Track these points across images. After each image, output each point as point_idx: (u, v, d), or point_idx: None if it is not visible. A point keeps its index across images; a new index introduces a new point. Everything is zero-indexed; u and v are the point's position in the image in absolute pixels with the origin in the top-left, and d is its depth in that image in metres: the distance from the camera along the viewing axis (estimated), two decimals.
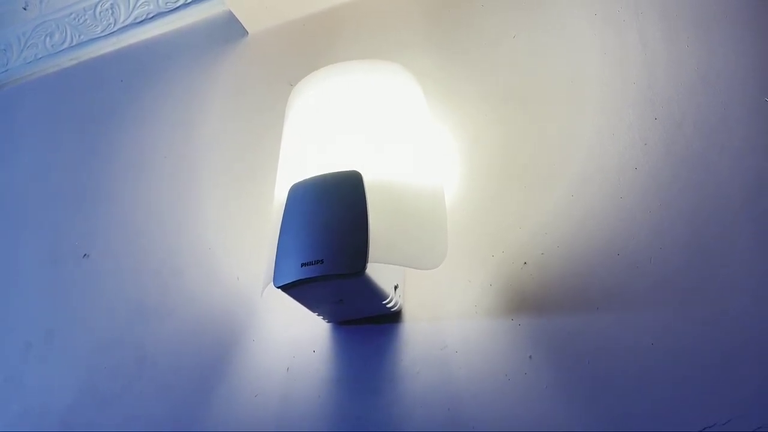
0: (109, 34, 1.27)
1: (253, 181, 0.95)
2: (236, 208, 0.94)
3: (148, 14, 1.24)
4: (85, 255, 1.03)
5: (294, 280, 0.68)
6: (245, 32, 1.12)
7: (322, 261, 0.67)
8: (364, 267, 0.66)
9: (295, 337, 0.80)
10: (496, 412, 0.66)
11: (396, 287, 0.75)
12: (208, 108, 1.07)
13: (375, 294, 0.71)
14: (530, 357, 0.67)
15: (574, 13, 0.85)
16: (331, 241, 0.68)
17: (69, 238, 1.07)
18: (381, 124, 0.77)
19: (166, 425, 0.82)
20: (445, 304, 0.74)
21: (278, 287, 0.69)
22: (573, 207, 0.73)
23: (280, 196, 0.77)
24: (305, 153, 0.78)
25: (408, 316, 0.75)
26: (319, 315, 0.77)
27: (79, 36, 1.30)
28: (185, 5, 1.22)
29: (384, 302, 0.73)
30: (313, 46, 1.05)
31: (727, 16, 0.75)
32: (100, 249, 1.02)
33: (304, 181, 0.74)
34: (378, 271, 0.70)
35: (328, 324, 0.79)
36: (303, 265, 0.68)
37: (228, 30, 1.14)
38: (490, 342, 0.70)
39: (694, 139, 0.70)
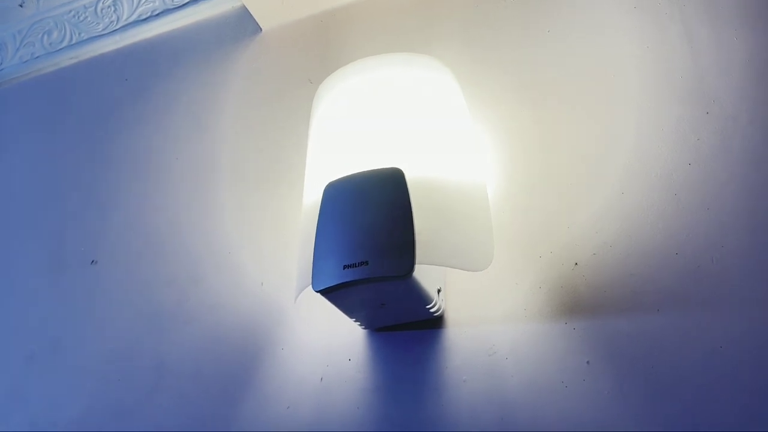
0: (111, 32, 1.22)
1: (274, 182, 0.91)
2: (257, 210, 0.90)
3: (153, 11, 1.19)
4: (93, 261, 0.97)
5: (337, 283, 0.63)
6: (259, 29, 1.08)
7: (366, 263, 0.63)
8: (412, 269, 0.62)
9: (328, 345, 0.75)
10: (553, 422, 0.62)
11: (439, 290, 0.71)
12: (222, 108, 1.03)
13: (420, 297, 0.67)
14: (588, 362, 0.63)
15: (612, 6, 0.82)
16: (375, 241, 0.64)
17: (75, 244, 1.01)
18: (419, 120, 0.73)
19: None
20: (491, 307, 0.70)
21: (318, 291, 0.65)
22: (624, 204, 0.70)
23: (312, 196, 0.73)
24: (339, 152, 0.74)
25: (451, 321, 0.71)
26: (356, 321, 0.72)
27: (80, 34, 1.25)
28: (193, 2, 1.17)
29: (428, 306, 0.69)
30: (331, 43, 1.01)
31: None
32: (109, 255, 0.97)
33: (340, 179, 0.69)
34: (423, 274, 0.66)
35: (364, 330, 0.75)
36: (345, 267, 0.64)
37: (239, 27, 1.10)
38: (543, 347, 0.66)
39: (751, 134, 0.68)
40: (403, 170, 0.67)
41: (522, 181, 0.76)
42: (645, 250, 0.67)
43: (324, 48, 1.01)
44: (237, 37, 1.09)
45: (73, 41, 1.25)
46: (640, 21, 0.80)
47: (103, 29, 1.23)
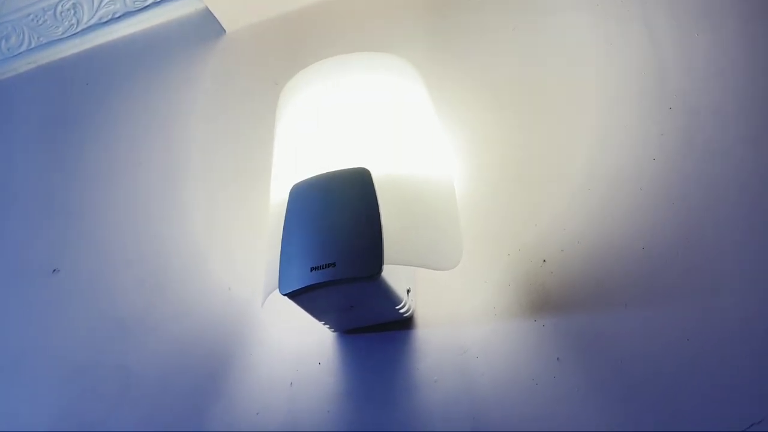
0: (71, 35, 1.20)
1: (241, 184, 0.89)
2: (224, 214, 0.88)
3: (114, 14, 1.17)
4: (55, 270, 0.95)
5: (304, 285, 0.62)
6: (223, 31, 1.06)
7: (333, 264, 0.62)
8: (380, 269, 0.61)
9: (297, 349, 0.74)
10: (525, 419, 0.62)
11: (408, 291, 0.70)
12: (187, 111, 1.01)
13: (389, 299, 0.66)
14: (558, 359, 0.63)
15: (574, 3, 0.83)
16: (342, 242, 0.63)
17: (35, 252, 0.99)
18: (385, 119, 0.73)
19: None
20: (460, 306, 0.70)
21: (285, 294, 0.64)
22: (591, 201, 0.70)
23: (278, 198, 0.72)
24: (305, 152, 0.73)
25: (421, 321, 0.71)
26: (325, 324, 0.71)
27: (38, 38, 1.22)
28: (154, 4, 1.15)
29: (397, 307, 0.68)
30: (296, 44, 1.00)
31: (735, 5, 0.74)
32: (72, 263, 0.94)
33: (306, 180, 0.68)
34: (391, 274, 0.65)
35: (334, 333, 0.74)
36: (313, 269, 0.63)
37: (203, 29, 1.08)
38: (514, 345, 0.66)
39: (713, 129, 0.68)
40: (369, 170, 0.67)
41: (488, 179, 0.76)
42: (612, 246, 0.67)
43: (289, 49, 1.00)
44: (201, 40, 1.08)
45: (32, 45, 1.22)
46: (603, 18, 0.80)
47: (63, 33, 1.20)
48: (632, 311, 0.63)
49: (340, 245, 0.63)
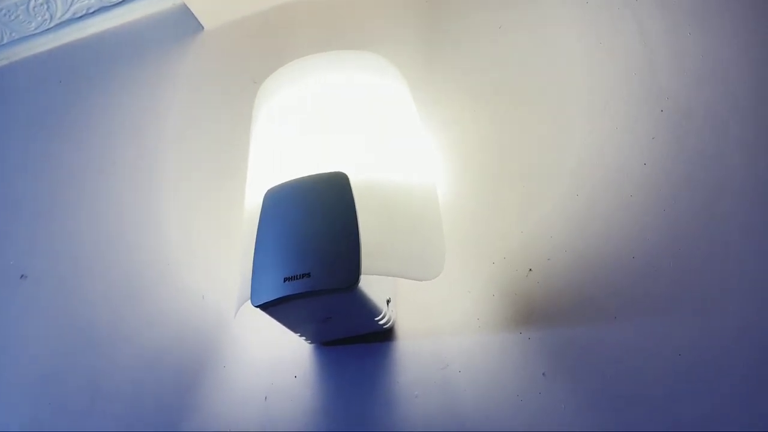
0: (44, 30, 1.15)
1: (218, 187, 0.86)
2: (198, 219, 0.85)
3: (88, 9, 1.13)
4: (22, 276, 0.91)
5: (276, 297, 0.59)
6: (200, 27, 1.03)
7: (308, 275, 0.59)
8: (357, 280, 0.58)
9: (272, 362, 0.71)
10: None
11: (388, 301, 0.67)
12: (162, 110, 0.97)
13: (367, 310, 0.63)
14: (544, 374, 0.60)
15: (564, 1, 0.80)
16: (317, 251, 0.60)
17: (2, 257, 0.95)
18: (364, 121, 0.69)
19: None
20: (442, 318, 0.67)
21: (257, 306, 0.60)
22: (578, 207, 0.67)
23: (252, 203, 0.69)
24: (280, 155, 0.70)
25: (401, 333, 0.67)
26: (301, 336, 0.68)
27: (11, 33, 1.17)
28: None
29: (376, 318, 0.65)
30: (276, 42, 0.96)
31: (729, 5, 0.71)
32: (40, 269, 0.91)
33: (281, 185, 0.65)
34: (370, 284, 0.62)
35: (311, 345, 0.70)
36: (286, 279, 0.59)
37: (180, 25, 1.05)
38: (498, 358, 0.63)
39: (705, 132, 0.66)
40: (347, 174, 0.63)
41: (472, 184, 0.73)
42: (601, 254, 0.64)
43: (269, 47, 0.96)
44: (178, 36, 1.04)
45: (4, 41, 1.17)
46: (593, 17, 0.77)
47: (36, 28, 1.16)
48: (622, 324, 0.60)
49: (315, 254, 0.60)
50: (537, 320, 0.63)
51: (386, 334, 0.68)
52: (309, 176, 0.64)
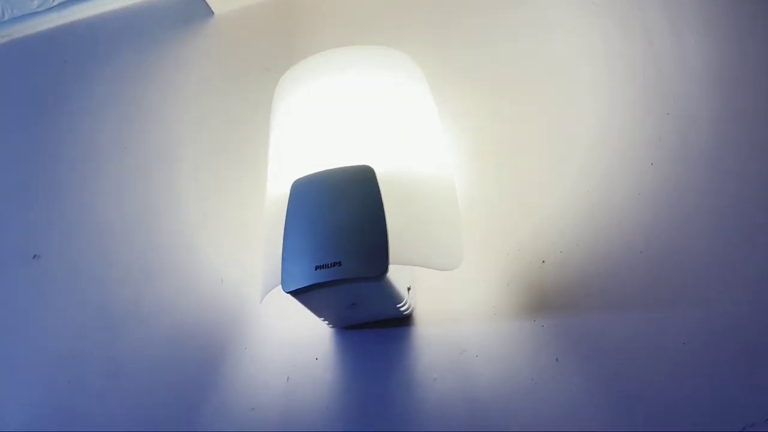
0: (47, 9, 1.15)
1: (232, 173, 0.88)
2: (214, 203, 0.87)
3: None
4: (35, 256, 0.92)
5: (309, 284, 0.62)
6: (210, 12, 1.04)
7: (339, 263, 0.62)
8: (386, 269, 0.61)
9: (293, 344, 0.74)
10: (524, 418, 0.63)
11: (409, 289, 0.70)
12: (172, 95, 0.98)
13: (391, 297, 0.66)
14: (557, 360, 0.65)
15: (573, 3, 0.83)
16: (348, 241, 0.63)
17: (12, 236, 0.95)
18: (386, 115, 0.72)
19: None
20: (459, 305, 0.70)
21: (288, 292, 0.63)
22: (589, 204, 0.71)
23: (277, 192, 0.71)
24: (305, 147, 0.72)
25: (419, 319, 0.71)
26: (324, 320, 0.71)
27: (12, 10, 1.16)
28: None
29: (398, 305, 0.68)
30: (289, 28, 0.98)
31: (732, 13, 0.75)
32: (53, 249, 0.92)
33: (309, 176, 0.68)
34: (394, 273, 0.65)
35: (331, 329, 0.74)
36: (318, 267, 0.62)
37: (190, 9, 1.05)
38: (513, 345, 0.67)
39: (709, 136, 0.70)
40: (373, 168, 0.66)
41: (486, 178, 0.76)
42: (610, 249, 0.68)
43: (281, 34, 0.98)
44: (187, 20, 1.05)
45: (5, 18, 1.16)
46: (601, 19, 0.81)
47: (39, 6, 1.15)
48: (630, 314, 0.65)
49: (345, 244, 0.63)
50: (550, 309, 0.67)
51: (405, 320, 0.71)
52: (336, 169, 0.67)
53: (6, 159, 1.03)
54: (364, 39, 0.93)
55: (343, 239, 0.63)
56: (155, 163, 0.93)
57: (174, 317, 0.80)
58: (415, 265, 0.66)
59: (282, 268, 0.64)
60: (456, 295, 0.71)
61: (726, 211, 0.66)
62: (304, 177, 0.68)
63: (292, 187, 0.68)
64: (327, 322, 0.72)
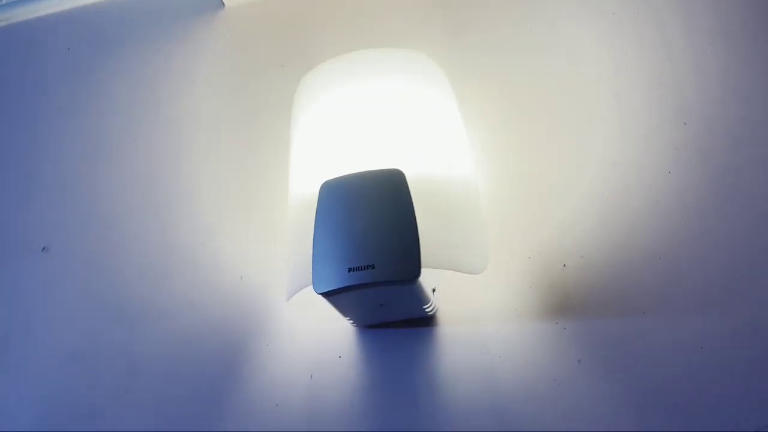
0: None
1: (248, 170, 0.88)
2: (232, 198, 0.87)
3: None
4: (44, 248, 0.91)
5: (343, 286, 0.63)
6: (221, 4, 1.03)
7: (373, 266, 0.63)
8: (419, 273, 0.63)
9: (316, 342, 0.75)
10: (548, 418, 0.65)
11: (434, 290, 0.72)
12: (182, 88, 0.97)
13: (419, 299, 0.68)
14: (579, 361, 0.67)
15: (591, 11, 0.85)
16: (380, 245, 0.64)
17: (19, 228, 0.94)
18: (411, 118, 0.73)
19: None
20: (482, 307, 0.72)
21: (321, 293, 0.64)
22: (608, 210, 0.73)
23: (303, 193, 0.72)
24: (331, 149, 0.73)
25: (443, 319, 0.73)
26: (349, 319, 0.72)
27: None
28: None
29: (424, 306, 0.70)
30: (302, 25, 0.98)
31: (747, 24, 0.78)
32: (63, 242, 0.91)
33: (338, 179, 0.68)
34: (423, 276, 0.67)
35: (354, 327, 0.75)
36: (351, 270, 0.63)
37: (199, 1, 1.04)
38: (536, 346, 0.69)
39: (726, 145, 0.73)
40: (403, 171, 0.67)
41: (507, 183, 0.78)
42: (630, 254, 0.70)
43: (295, 29, 0.98)
44: (196, 12, 1.04)
45: (4, 1, 1.13)
46: (619, 27, 0.83)
47: None
48: (649, 318, 0.67)
49: (378, 247, 0.64)
50: (571, 312, 0.69)
51: (429, 320, 0.73)
52: (366, 171, 0.68)
53: (8, 148, 1.01)
54: (378, 34, 0.94)
55: (376, 242, 0.64)
56: (168, 157, 0.92)
57: (193, 314, 0.80)
58: (444, 269, 0.67)
59: (313, 269, 0.65)
60: (479, 296, 0.73)
61: (743, 218, 0.69)
62: (333, 179, 0.68)
63: (321, 188, 0.68)
64: (352, 321, 0.73)
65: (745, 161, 0.71)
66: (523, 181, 0.77)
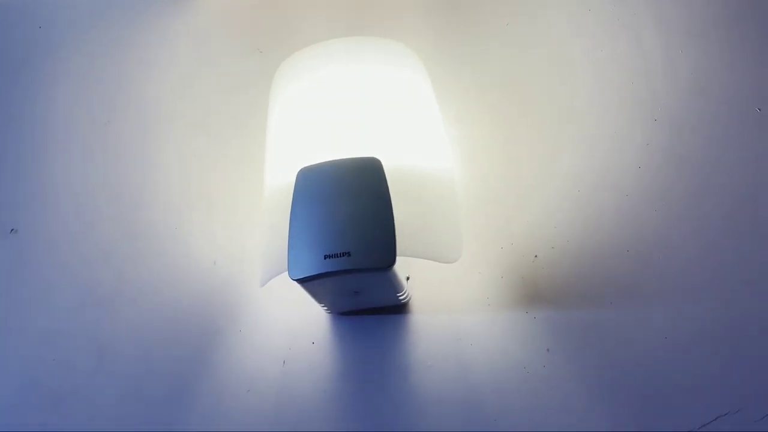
0: None
1: (220, 155, 0.88)
2: (201, 184, 0.86)
3: None
4: (12, 230, 0.89)
5: (318, 272, 0.63)
6: None
7: (348, 253, 0.64)
8: (394, 260, 0.63)
9: (289, 328, 0.75)
10: (517, 405, 0.67)
11: (408, 278, 0.73)
12: (156, 72, 0.97)
13: (394, 287, 0.69)
14: (548, 350, 0.68)
15: (567, 8, 0.86)
16: (356, 232, 0.65)
17: None
18: (389, 108, 0.74)
19: (138, 424, 0.74)
20: (454, 296, 0.73)
21: (296, 280, 0.64)
22: (580, 203, 0.75)
23: (279, 180, 0.72)
24: (307, 136, 0.73)
25: (416, 307, 0.74)
26: (323, 306, 0.73)
27: None
28: None
29: (398, 294, 0.71)
30: (279, 9, 0.97)
31: (718, 23, 0.80)
32: (31, 223, 0.89)
33: (315, 166, 0.69)
34: (398, 264, 0.68)
35: (329, 314, 0.75)
36: (327, 257, 0.64)
37: None
38: (506, 334, 0.70)
39: (694, 145, 0.75)
40: (380, 160, 0.68)
41: (481, 174, 0.79)
42: (599, 247, 0.72)
43: (274, 15, 0.97)
44: None
45: None
46: (594, 24, 0.84)
47: None
48: (617, 308, 0.69)
49: (354, 234, 0.65)
50: (541, 302, 0.71)
51: (401, 308, 0.73)
52: (343, 159, 0.68)
53: None
54: (357, 22, 0.94)
55: (352, 230, 0.65)
56: (140, 140, 0.92)
57: (165, 298, 0.80)
58: (419, 257, 0.68)
59: (289, 255, 0.65)
60: (451, 285, 0.74)
61: (710, 213, 0.71)
62: (310, 166, 0.69)
63: (298, 175, 0.68)
64: (326, 308, 0.73)
65: (713, 156, 0.73)
66: (495, 172, 0.79)
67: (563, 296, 0.70)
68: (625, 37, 0.82)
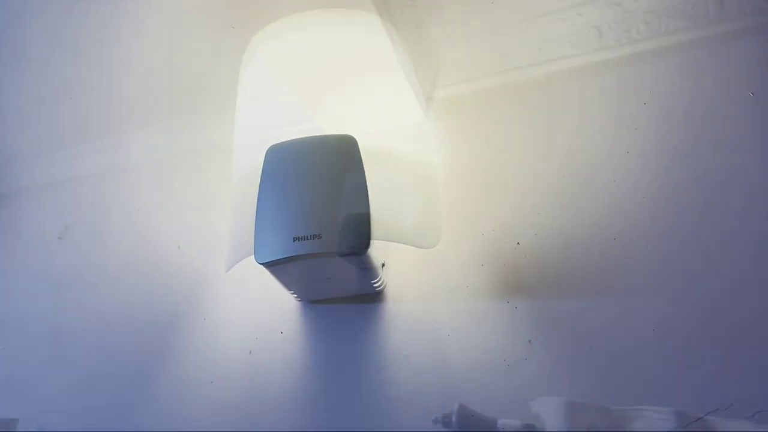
0: None
1: (189, 135, 0.83)
2: (167, 166, 0.81)
3: None
4: None
5: (286, 256, 0.59)
6: None
7: (319, 236, 0.60)
8: (368, 244, 0.60)
9: (257, 316, 0.71)
10: (496, 400, 0.63)
11: (383, 265, 0.69)
12: (130, 46, 0.91)
13: (368, 273, 0.65)
14: (530, 341, 0.65)
15: None
16: (328, 213, 0.61)
17: None
18: (367, 87, 0.70)
19: (95, 416, 0.69)
20: (432, 284, 0.69)
21: (262, 264, 0.60)
22: (565, 189, 0.71)
23: (247, 159, 0.67)
24: (277, 112, 0.69)
25: (391, 296, 0.70)
26: (293, 293, 0.68)
27: None
28: None
29: (373, 281, 0.67)
30: None
31: (708, 8, 0.76)
32: None
33: (285, 143, 0.65)
34: (373, 248, 0.64)
35: (298, 302, 0.71)
36: (296, 239, 0.60)
37: None
38: (486, 325, 0.66)
39: (685, 130, 0.71)
40: (355, 138, 0.64)
41: (463, 159, 0.75)
42: (585, 234, 0.68)
43: None
44: None
45: None
46: (584, 10, 0.80)
47: None
48: (603, 299, 0.65)
49: (325, 216, 0.61)
50: (523, 291, 0.67)
51: (376, 296, 0.69)
52: (316, 136, 0.64)
53: None
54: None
55: (324, 211, 0.61)
56: (103, 117, 0.86)
57: (124, 283, 0.75)
58: (395, 242, 0.64)
59: (255, 238, 0.61)
60: (429, 273, 0.70)
61: (695, 202, 0.67)
62: (280, 143, 0.65)
63: (266, 153, 0.64)
64: (295, 295, 0.69)
65: (703, 142, 0.70)
66: (479, 156, 0.75)
67: (546, 285, 0.67)
68: (615, 17, 0.79)
